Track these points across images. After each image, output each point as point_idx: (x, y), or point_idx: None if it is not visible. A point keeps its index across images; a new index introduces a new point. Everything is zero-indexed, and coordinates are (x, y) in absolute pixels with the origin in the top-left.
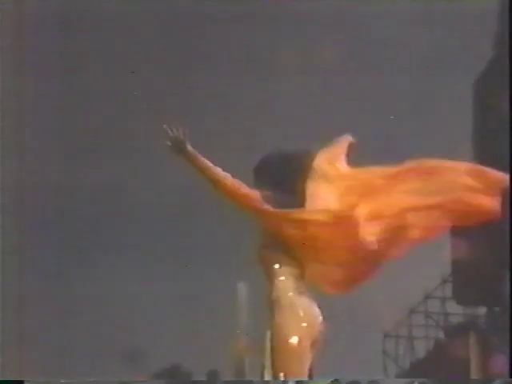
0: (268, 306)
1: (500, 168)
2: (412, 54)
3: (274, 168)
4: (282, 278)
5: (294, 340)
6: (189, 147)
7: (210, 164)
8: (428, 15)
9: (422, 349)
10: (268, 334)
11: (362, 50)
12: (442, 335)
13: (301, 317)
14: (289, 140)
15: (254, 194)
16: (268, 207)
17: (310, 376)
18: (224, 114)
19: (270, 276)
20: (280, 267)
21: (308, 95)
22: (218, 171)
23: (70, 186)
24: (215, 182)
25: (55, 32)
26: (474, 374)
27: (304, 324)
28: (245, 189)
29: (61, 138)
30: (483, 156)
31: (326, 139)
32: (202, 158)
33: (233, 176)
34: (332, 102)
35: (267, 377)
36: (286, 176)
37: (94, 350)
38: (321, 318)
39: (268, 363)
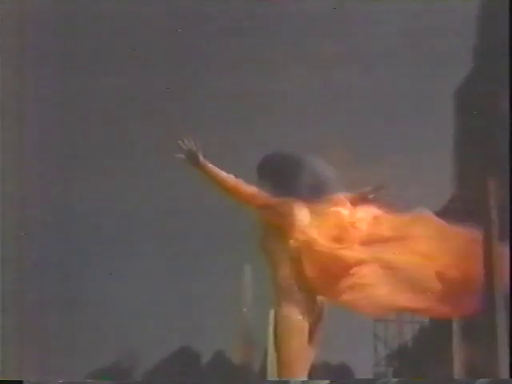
0: (271, 287)
1: (500, 169)
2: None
3: (274, 167)
4: (283, 264)
5: (296, 317)
6: (201, 158)
7: (217, 169)
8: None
9: (409, 332)
10: (271, 312)
11: (362, 49)
12: (426, 319)
13: (302, 296)
14: (289, 140)
15: (256, 192)
16: (269, 199)
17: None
18: (224, 114)
19: (272, 262)
20: (281, 254)
21: (307, 95)
22: (224, 175)
23: (71, 184)
24: (221, 184)
25: (55, 32)
26: (456, 351)
27: (305, 303)
28: (247, 187)
29: (61, 138)
30: (484, 157)
31: (325, 140)
32: (211, 165)
33: (236, 176)
34: (331, 102)
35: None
36: (286, 175)
37: (94, 348)
38: (321, 298)
39: (271, 340)
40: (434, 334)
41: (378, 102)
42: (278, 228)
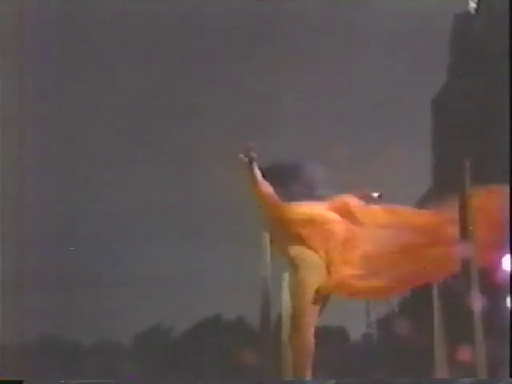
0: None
1: (500, 169)
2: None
3: (275, 174)
4: (293, 250)
5: (307, 280)
6: (254, 163)
7: (258, 173)
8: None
9: (395, 300)
10: (285, 275)
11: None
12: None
13: (313, 265)
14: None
15: (271, 193)
16: (275, 199)
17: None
18: (225, 115)
19: (281, 251)
20: (288, 245)
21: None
22: (260, 177)
23: (71, 181)
24: (255, 184)
25: (55, 32)
26: (436, 316)
27: (315, 271)
28: (268, 188)
29: (60, 137)
30: (484, 157)
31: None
32: (257, 169)
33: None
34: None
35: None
36: (285, 180)
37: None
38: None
39: (285, 298)
40: (417, 302)
41: (378, 101)
42: (282, 221)
